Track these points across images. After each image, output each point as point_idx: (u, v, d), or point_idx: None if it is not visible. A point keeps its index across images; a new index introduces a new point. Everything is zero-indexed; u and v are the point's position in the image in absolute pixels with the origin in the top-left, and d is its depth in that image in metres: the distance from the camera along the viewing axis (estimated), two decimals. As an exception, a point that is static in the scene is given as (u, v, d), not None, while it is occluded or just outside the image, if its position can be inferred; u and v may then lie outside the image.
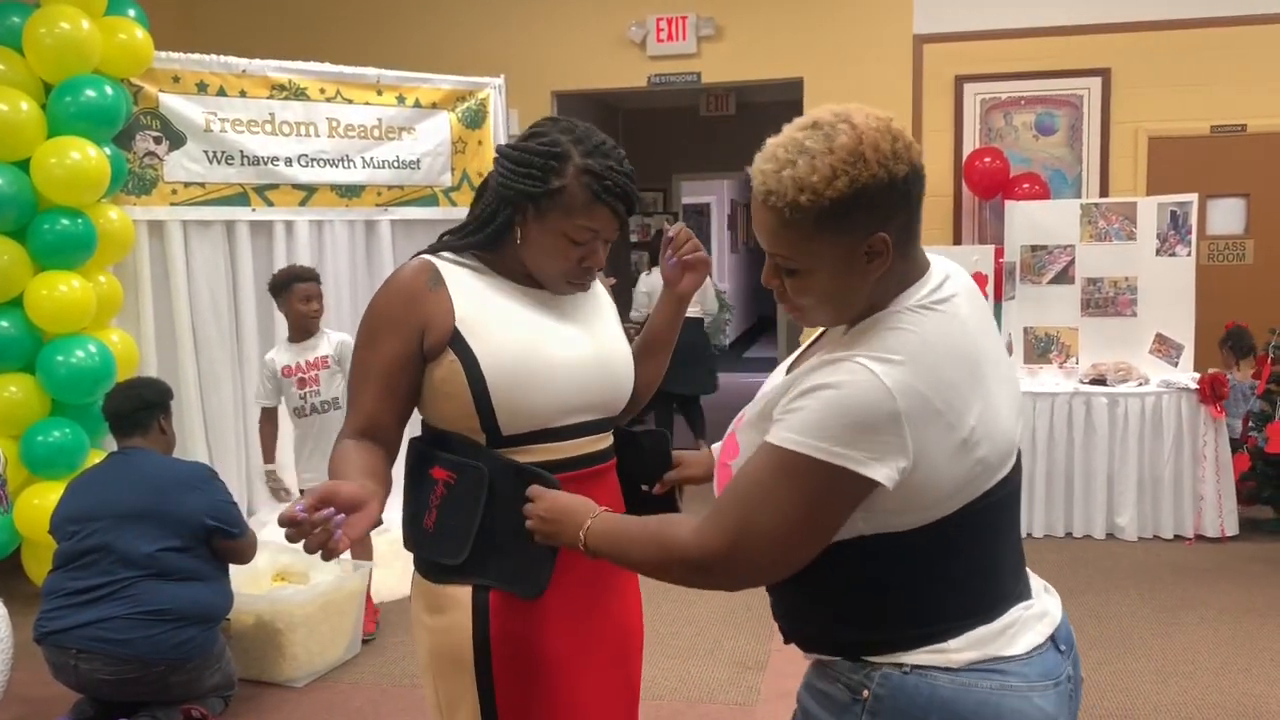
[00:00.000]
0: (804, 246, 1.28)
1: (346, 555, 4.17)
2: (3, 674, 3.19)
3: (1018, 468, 1.40)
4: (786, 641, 1.46)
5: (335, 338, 4.21)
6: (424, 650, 1.77)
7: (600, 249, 1.72)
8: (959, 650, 1.30)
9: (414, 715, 3.51)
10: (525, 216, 1.70)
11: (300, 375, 4.14)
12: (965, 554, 1.33)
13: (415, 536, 1.75)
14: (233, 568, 3.49)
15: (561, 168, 1.65)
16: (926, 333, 1.28)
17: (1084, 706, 3.48)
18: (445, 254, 1.76)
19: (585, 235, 1.68)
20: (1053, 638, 1.38)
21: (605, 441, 1.81)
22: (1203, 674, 3.74)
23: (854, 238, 1.26)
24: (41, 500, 4.34)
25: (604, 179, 1.65)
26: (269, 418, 4.25)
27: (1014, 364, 1.35)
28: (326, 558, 1.44)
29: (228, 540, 3.37)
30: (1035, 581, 1.46)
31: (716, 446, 1.72)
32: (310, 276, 4.20)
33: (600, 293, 1.90)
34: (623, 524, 1.47)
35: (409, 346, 1.68)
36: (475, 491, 1.67)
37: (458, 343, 1.66)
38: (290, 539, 1.41)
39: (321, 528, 1.40)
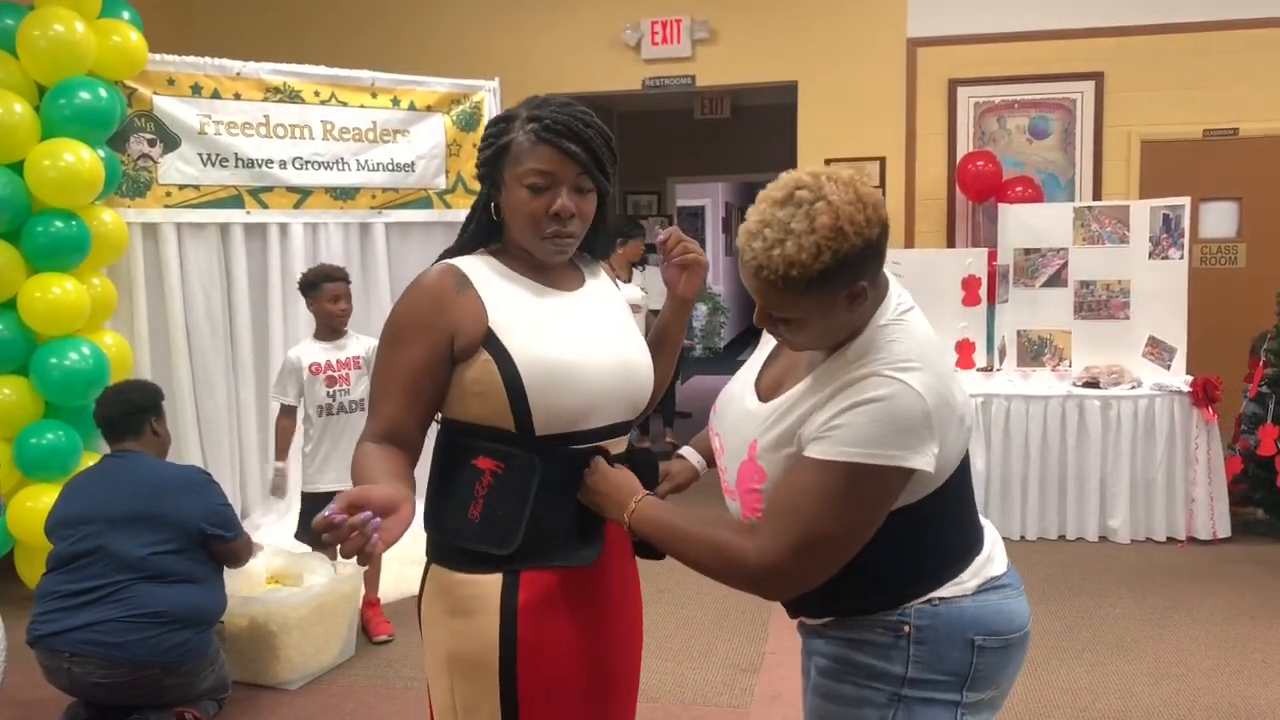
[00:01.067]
0: (794, 304, 1.46)
1: (349, 561, 4.17)
2: (-4, 677, 3.19)
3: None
4: (793, 616, 1.69)
5: (367, 341, 4.22)
6: (441, 650, 1.74)
7: (566, 195, 1.68)
8: (970, 579, 1.58)
9: (408, 718, 3.51)
10: (499, 190, 1.72)
11: (330, 373, 4.15)
12: (959, 506, 1.60)
13: (456, 528, 1.71)
14: (226, 570, 3.49)
15: (509, 126, 1.71)
16: (915, 337, 1.50)
17: (1077, 708, 3.50)
18: (461, 256, 1.77)
19: (540, 179, 1.67)
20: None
21: (625, 444, 1.83)
22: (1195, 676, 3.75)
23: (840, 290, 1.45)
24: (34, 503, 4.33)
25: (543, 120, 1.67)
26: (288, 414, 4.23)
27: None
28: (363, 562, 1.44)
29: (223, 544, 3.36)
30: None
31: (689, 450, 1.98)
32: (339, 276, 4.22)
33: (615, 291, 1.91)
34: (673, 517, 1.61)
35: (435, 351, 1.67)
36: (526, 481, 1.67)
37: (492, 343, 1.66)
38: (329, 542, 1.40)
39: (359, 531, 1.38)
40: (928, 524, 1.54)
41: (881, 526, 1.49)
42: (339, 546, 1.40)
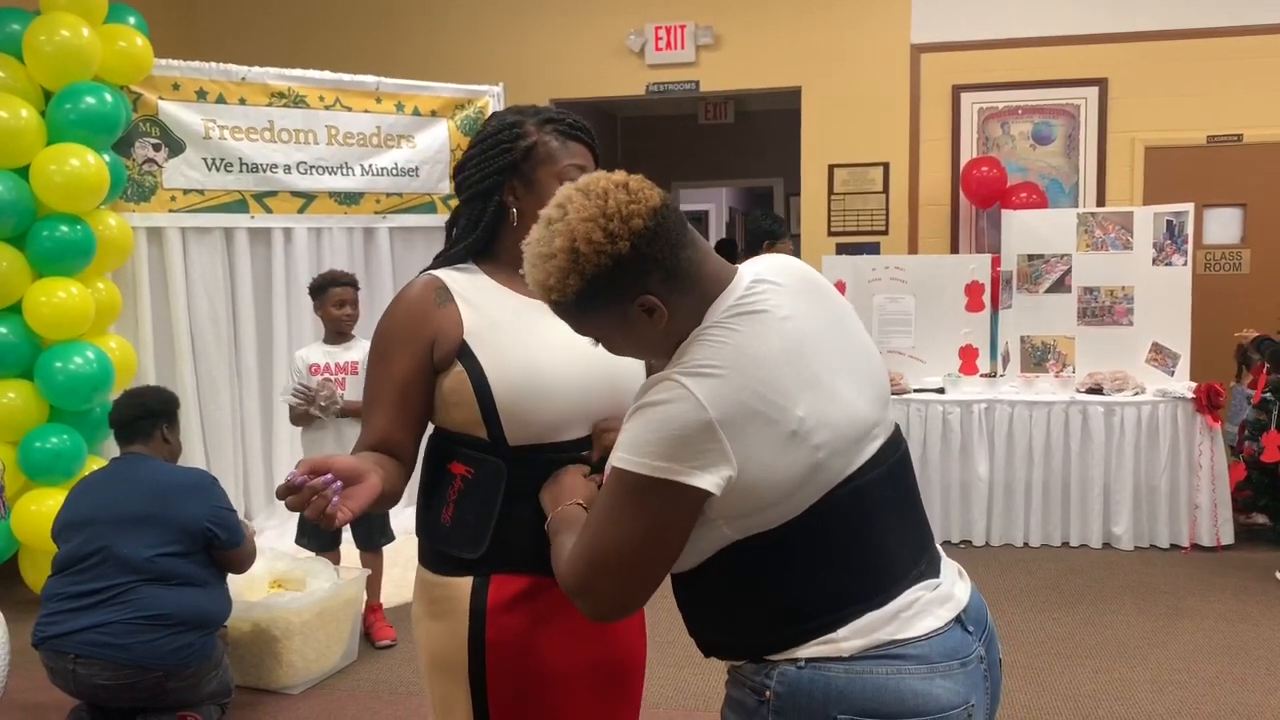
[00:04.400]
0: (583, 325, 1.41)
1: (355, 561, 4.18)
2: (1, 680, 3.19)
3: (892, 447, 1.43)
4: (705, 655, 1.49)
5: (366, 347, 4.20)
6: (423, 651, 1.79)
7: None
8: (847, 639, 1.32)
9: (410, 722, 3.51)
10: (515, 193, 1.73)
11: (328, 376, 4.16)
12: (840, 542, 1.35)
13: (431, 530, 1.76)
14: (230, 574, 3.50)
15: (523, 130, 1.74)
16: (736, 340, 1.32)
17: (1080, 715, 3.50)
18: (447, 268, 1.77)
19: (575, 173, 1.71)
20: (959, 619, 1.39)
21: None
22: (1198, 683, 3.74)
23: (620, 308, 1.36)
24: (39, 506, 4.34)
25: (564, 120, 1.76)
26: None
27: (870, 347, 1.42)
28: (326, 525, 1.46)
29: (227, 548, 3.36)
30: (947, 564, 1.48)
31: None
32: (345, 281, 4.25)
33: None
34: (565, 524, 1.53)
35: (420, 362, 1.69)
36: (494, 486, 1.69)
37: (465, 355, 1.68)
38: (290, 507, 1.43)
39: (319, 495, 1.41)
40: (782, 563, 1.34)
41: (730, 558, 1.35)
42: (303, 510, 1.42)
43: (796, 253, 4.94)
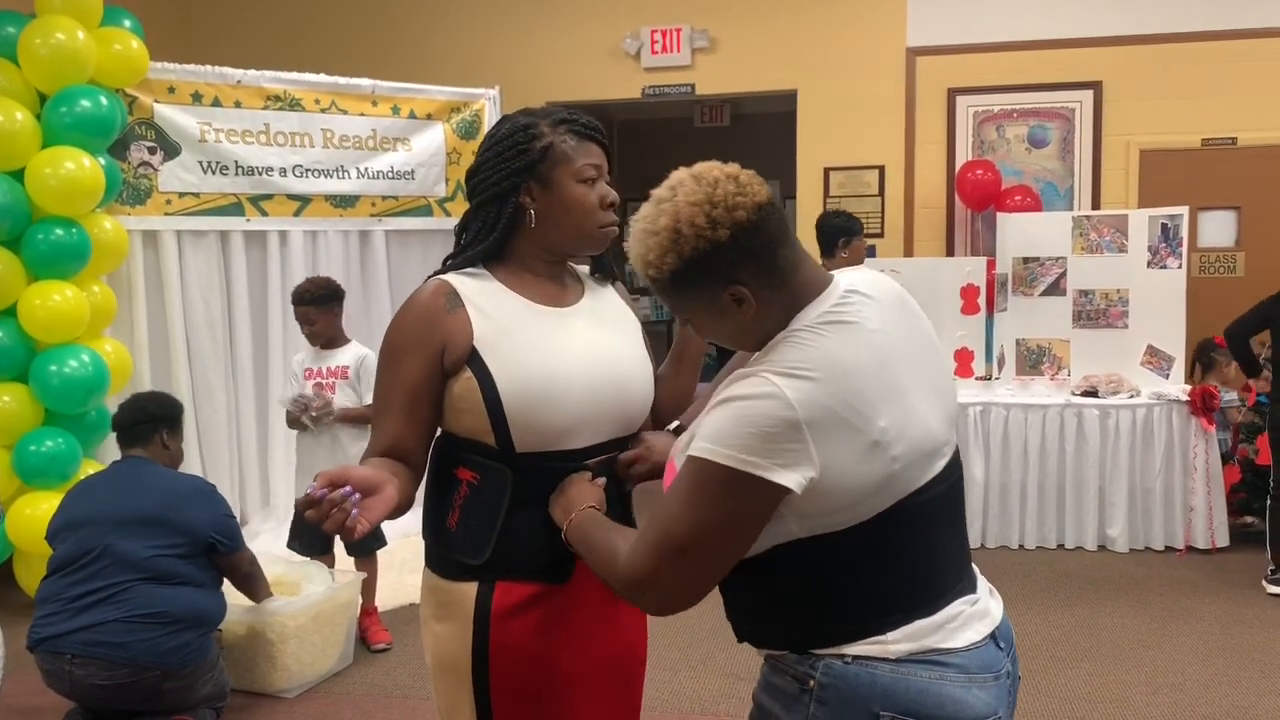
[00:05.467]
0: (675, 304, 1.47)
1: (349, 565, 4.17)
2: (-6, 684, 3.19)
3: (954, 466, 1.48)
4: (740, 640, 1.54)
5: (358, 352, 4.20)
6: (430, 653, 1.79)
7: (606, 185, 1.79)
8: (896, 642, 1.38)
9: (406, 726, 3.51)
10: (531, 195, 1.73)
11: (319, 380, 4.15)
12: (900, 550, 1.40)
13: (437, 535, 1.76)
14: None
15: (537, 132, 1.74)
16: (827, 346, 1.36)
17: (1074, 717, 3.50)
18: (458, 272, 1.75)
19: (594, 171, 1.76)
20: (993, 635, 1.45)
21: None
22: (1193, 685, 3.75)
23: (711, 293, 1.41)
24: (33, 510, 4.34)
25: (577, 121, 1.77)
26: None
27: (946, 370, 1.45)
28: (346, 538, 1.47)
29: (226, 555, 3.38)
30: (981, 581, 1.54)
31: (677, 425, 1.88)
32: (308, 299, 4.13)
33: (621, 307, 1.90)
34: (594, 527, 1.57)
35: (430, 368, 1.69)
36: (499, 493, 1.69)
37: (475, 361, 1.67)
38: (311, 520, 1.43)
39: (339, 507, 1.42)
40: (843, 564, 1.38)
41: (789, 554, 1.38)
42: (322, 524, 1.43)
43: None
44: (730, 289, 1.39)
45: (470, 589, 1.72)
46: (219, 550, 3.35)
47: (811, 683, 1.38)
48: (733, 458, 1.31)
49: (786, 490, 1.31)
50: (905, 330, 1.46)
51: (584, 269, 1.91)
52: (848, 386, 1.34)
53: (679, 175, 1.45)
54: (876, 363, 1.37)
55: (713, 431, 1.34)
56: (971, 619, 1.43)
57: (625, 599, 1.46)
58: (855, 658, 1.37)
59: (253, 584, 3.54)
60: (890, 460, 1.35)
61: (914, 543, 1.41)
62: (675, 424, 1.90)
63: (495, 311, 1.71)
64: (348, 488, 1.44)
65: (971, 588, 1.49)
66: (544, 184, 1.73)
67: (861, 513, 1.36)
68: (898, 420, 1.36)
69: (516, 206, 1.73)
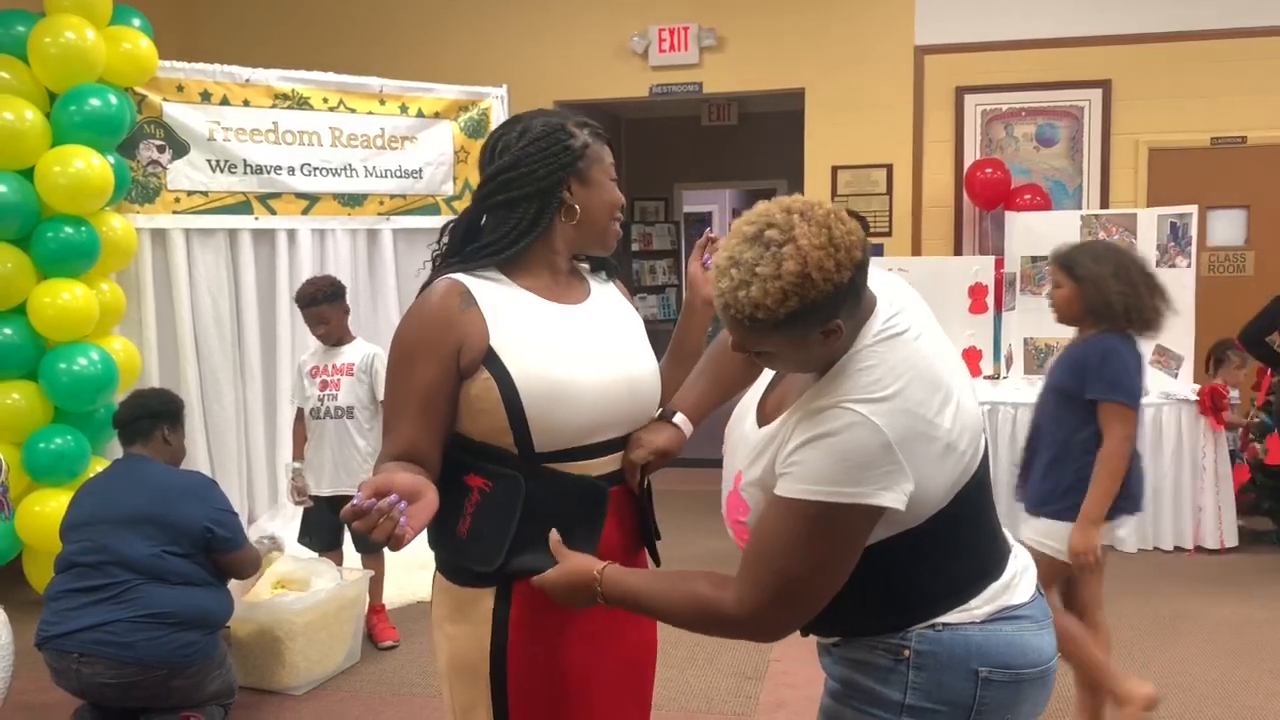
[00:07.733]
0: (762, 341, 1.43)
1: (357, 562, 4.18)
2: (4, 680, 3.19)
3: (985, 440, 1.58)
4: (805, 634, 1.59)
5: (365, 349, 4.20)
6: (443, 655, 1.78)
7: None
8: (980, 606, 1.50)
9: (413, 724, 3.51)
10: (571, 190, 1.74)
11: (323, 377, 4.16)
12: (969, 528, 1.52)
13: (447, 542, 1.74)
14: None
15: (569, 132, 1.75)
16: (893, 362, 1.42)
17: (1083, 718, 3.47)
18: (467, 271, 1.73)
19: (613, 172, 1.81)
20: (1037, 586, 1.60)
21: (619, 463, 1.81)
22: (1202, 686, 3.74)
23: (809, 331, 1.40)
24: (43, 507, 4.35)
25: (591, 124, 1.80)
26: (301, 417, 4.27)
27: (956, 350, 1.51)
28: (394, 547, 1.47)
29: (227, 550, 3.36)
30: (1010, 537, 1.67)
31: (681, 418, 1.84)
32: (320, 300, 4.13)
33: (625, 303, 1.90)
34: (640, 581, 1.59)
35: (445, 370, 1.67)
36: (512, 500, 1.68)
37: (492, 362, 1.66)
38: (359, 530, 1.43)
39: (387, 516, 1.42)
40: (926, 552, 1.48)
41: (877, 554, 1.45)
42: (371, 533, 1.42)
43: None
44: (828, 324, 1.39)
45: (487, 594, 1.71)
46: (215, 544, 3.31)
47: (906, 653, 1.49)
48: (839, 493, 1.37)
49: (886, 509, 1.39)
50: (929, 328, 1.52)
51: (584, 266, 1.91)
52: (915, 399, 1.41)
53: (778, 215, 1.38)
54: (927, 369, 1.44)
55: (811, 472, 1.39)
56: (1022, 575, 1.57)
57: (726, 635, 1.52)
58: (946, 625, 1.48)
59: (247, 573, 3.53)
60: (961, 455, 1.45)
61: (979, 516, 1.54)
62: (659, 411, 1.88)
63: (509, 310, 1.70)
64: (393, 496, 1.43)
65: (1010, 547, 1.61)
66: (583, 180, 1.75)
67: (938, 506, 1.45)
68: (956, 417, 1.44)
69: (559, 205, 1.73)
